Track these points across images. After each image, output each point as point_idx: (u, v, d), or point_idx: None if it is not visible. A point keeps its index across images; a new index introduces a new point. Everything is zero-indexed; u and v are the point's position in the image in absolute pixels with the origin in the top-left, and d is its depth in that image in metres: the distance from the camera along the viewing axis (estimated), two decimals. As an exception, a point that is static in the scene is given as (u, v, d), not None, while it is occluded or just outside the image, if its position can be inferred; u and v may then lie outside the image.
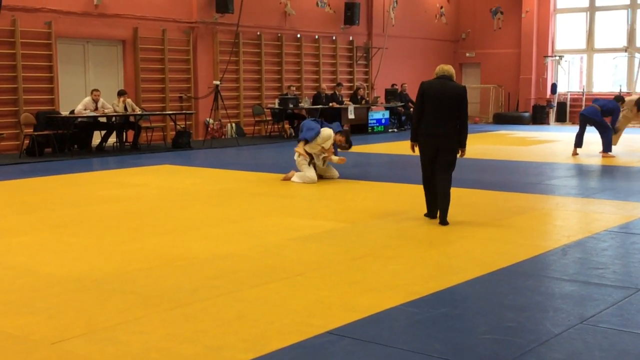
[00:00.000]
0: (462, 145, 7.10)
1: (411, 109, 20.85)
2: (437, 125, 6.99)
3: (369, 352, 3.69)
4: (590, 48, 23.50)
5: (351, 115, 18.97)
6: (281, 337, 3.91)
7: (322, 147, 10.02)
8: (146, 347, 3.78)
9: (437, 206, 7.13)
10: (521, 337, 3.89)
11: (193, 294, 4.71)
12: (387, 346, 3.77)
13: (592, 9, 23.28)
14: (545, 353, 3.68)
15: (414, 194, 8.76)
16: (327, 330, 4.00)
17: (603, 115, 13.18)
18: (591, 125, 13.27)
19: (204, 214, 7.68)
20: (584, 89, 23.24)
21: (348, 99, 19.72)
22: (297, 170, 10.14)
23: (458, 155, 7.14)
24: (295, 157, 10.16)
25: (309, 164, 10.06)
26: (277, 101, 17.80)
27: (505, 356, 3.61)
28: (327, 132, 10.07)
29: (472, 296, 4.72)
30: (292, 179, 10.03)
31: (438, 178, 7.06)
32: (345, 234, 6.60)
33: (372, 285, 4.91)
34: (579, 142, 13.50)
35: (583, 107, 22.60)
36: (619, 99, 13.63)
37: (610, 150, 13.18)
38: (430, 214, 7.30)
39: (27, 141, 13.65)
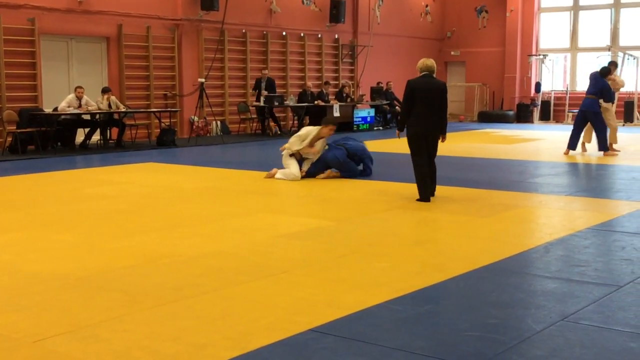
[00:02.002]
0: (443, 132, 8.23)
1: (397, 107, 20.94)
2: (426, 119, 7.99)
3: (352, 349, 3.71)
4: (574, 47, 23.67)
5: (336, 113, 18.99)
6: (265, 334, 3.92)
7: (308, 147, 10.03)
8: (129, 345, 3.77)
9: (429, 188, 8.11)
10: (503, 334, 3.93)
11: (178, 291, 4.71)
12: (370, 343, 3.79)
13: (576, 8, 23.45)
14: (527, 350, 3.71)
15: (400, 192, 8.81)
16: (311, 327, 4.01)
17: (601, 98, 12.76)
18: (590, 121, 12.87)
19: (190, 212, 7.67)
20: (567, 88, 23.40)
21: (333, 97, 19.74)
22: (281, 167, 10.15)
23: (440, 141, 8.26)
24: (283, 154, 10.18)
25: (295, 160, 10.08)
26: (262, 99, 17.78)
27: (488, 353, 3.64)
28: (305, 130, 10.20)
29: (456, 293, 4.75)
30: (276, 175, 10.04)
31: (429, 163, 8.11)
32: (331, 231, 6.62)
33: (357, 283, 4.93)
34: (573, 143, 13.10)
35: (567, 106, 22.88)
36: (604, 73, 13.02)
37: (607, 149, 12.88)
38: (424, 197, 8.06)
39: (9, 139, 13.56)
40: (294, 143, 10.03)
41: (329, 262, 5.49)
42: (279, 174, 10.01)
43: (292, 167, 9.99)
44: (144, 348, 3.73)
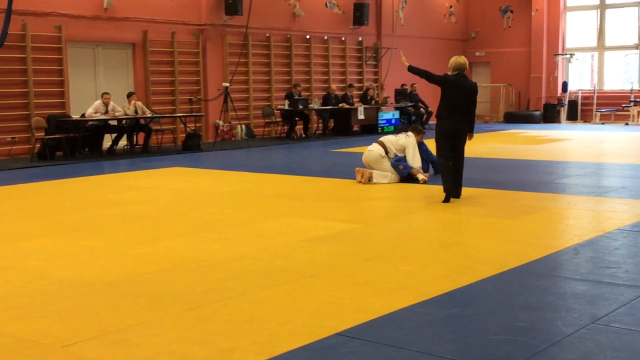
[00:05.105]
0: (471, 130, 8.29)
1: (421, 109, 20.82)
2: (455, 118, 8.10)
3: (379, 354, 3.69)
4: (601, 46, 23.38)
5: (361, 116, 18.96)
6: (292, 338, 3.91)
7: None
8: (157, 349, 3.79)
9: (454, 187, 8.13)
10: (533, 337, 3.88)
11: (204, 296, 4.72)
12: (397, 347, 3.76)
13: (602, 6, 23.17)
14: (557, 353, 3.66)
15: (426, 194, 8.76)
16: (337, 331, 4.00)
17: None
18: None
19: (215, 216, 7.69)
20: (595, 87, 23.12)
21: (358, 100, 19.72)
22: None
23: (467, 139, 8.31)
24: (378, 151, 9.91)
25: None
26: (286, 102, 17.79)
27: (517, 357, 3.60)
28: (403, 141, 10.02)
29: (484, 296, 4.70)
30: (375, 179, 9.76)
31: (457, 160, 8.16)
32: (356, 234, 6.59)
33: (383, 286, 4.90)
34: None
35: (595, 106, 22.57)
36: None
37: None
38: (449, 197, 8.09)
39: (38, 145, 13.73)
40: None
41: (355, 266, 5.47)
42: (378, 177, 9.79)
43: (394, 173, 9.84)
44: (172, 353, 3.74)
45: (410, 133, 10.13)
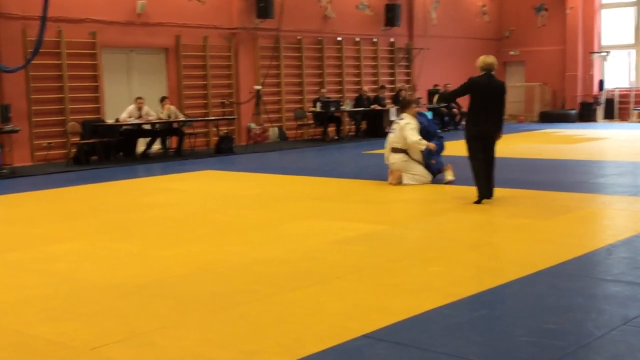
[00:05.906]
0: (499, 130, 8.15)
1: (454, 109, 20.66)
2: (486, 119, 8.01)
3: (405, 356, 3.66)
4: (638, 43, 22.95)
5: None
6: (318, 340, 3.89)
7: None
8: (183, 352, 3.80)
9: (486, 187, 8.03)
10: (562, 339, 3.81)
11: (231, 298, 4.73)
12: (423, 349, 3.73)
13: (639, 3, 22.74)
14: (587, 355, 3.59)
15: (456, 194, 8.68)
16: (363, 333, 3.97)
17: None
18: None
19: (244, 219, 7.72)
20: (632, 85, 22.70)
21: (390, 101, 19.64)
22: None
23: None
24: (400, 158, 9.82)
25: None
26: (318, 104, 17.77)
27: (544, 359, 3.53)
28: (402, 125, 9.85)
29: (512, 298, 4.64)
30: (405, 181, 9.72)
31: (489, 162, 8.06)
32: (384, 236, 6.56)
33: (410, 288, 4.86)
34: None
35: (632, 104, 22.14)
36: None
37: None
38: (481, 198, 8.00)
39: (73, 150, 13.94)
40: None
41: (382, 267, 5.43)
42: (409, 179, 9.75)
43: (421, 168, 9.82)
44: (197, 355, 3.75)
45: (402, 116, 10.04)
